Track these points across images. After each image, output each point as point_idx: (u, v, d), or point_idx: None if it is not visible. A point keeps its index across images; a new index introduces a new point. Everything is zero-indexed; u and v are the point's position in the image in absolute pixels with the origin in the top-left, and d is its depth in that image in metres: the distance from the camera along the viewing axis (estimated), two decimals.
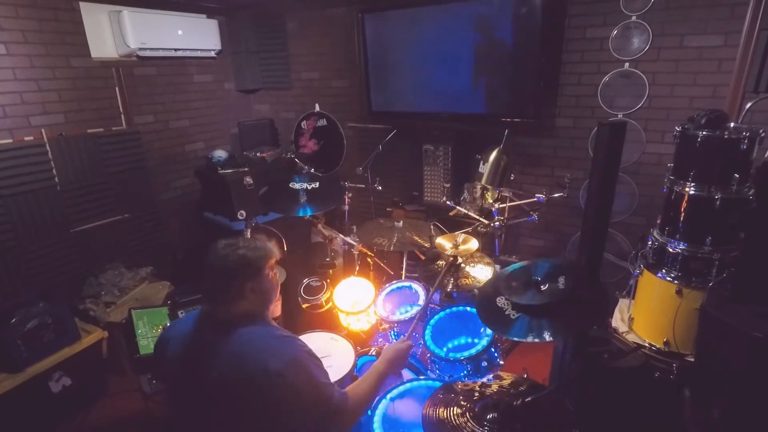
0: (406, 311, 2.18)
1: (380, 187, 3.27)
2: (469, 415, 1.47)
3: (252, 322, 1.31)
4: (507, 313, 1.57)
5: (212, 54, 3.91)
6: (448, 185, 3.44)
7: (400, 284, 2.35)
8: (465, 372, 1.80)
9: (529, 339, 1.47)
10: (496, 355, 1.86)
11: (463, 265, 2.16)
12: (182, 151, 3.98)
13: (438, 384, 1.74)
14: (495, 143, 2.90)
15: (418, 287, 2.27)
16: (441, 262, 2.24)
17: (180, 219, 3.97)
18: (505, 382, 1.65)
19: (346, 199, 3.20)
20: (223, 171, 3.67)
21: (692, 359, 2.01)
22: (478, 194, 2.99)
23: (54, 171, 3.01)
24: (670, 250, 2.09)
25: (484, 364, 1.81)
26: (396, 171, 3.94)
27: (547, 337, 1.46)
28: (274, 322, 1.40)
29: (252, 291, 1.30)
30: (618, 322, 2.37)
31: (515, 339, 1.54)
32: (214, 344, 1.27)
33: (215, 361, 1.24)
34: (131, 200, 3.49)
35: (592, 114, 3.13)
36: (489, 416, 1.44)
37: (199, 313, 1.39)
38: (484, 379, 1.74)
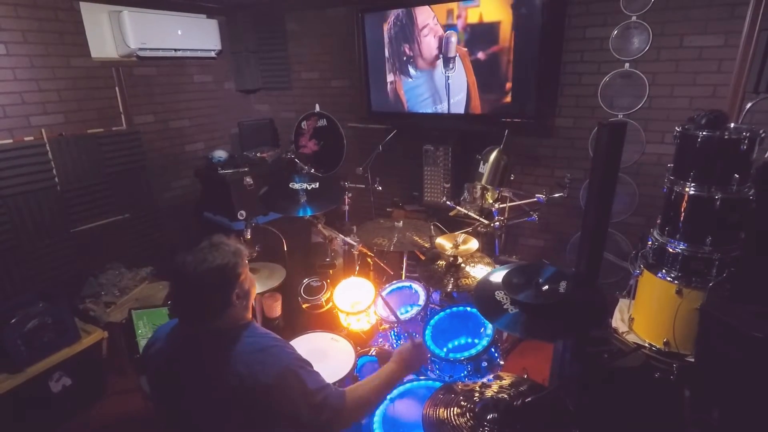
0: (406, 311, 2.18)
1: (380, 187, 3.28)
2: (469, 415, 1.47)
3: (239, 329, 1.28)
4: (505, 306, 1.60)
5: (212, 54, 3.91)
6: (448, 185, 3.44)
7: (400, 284, 2.35)
8: (465, 372, 1.80)
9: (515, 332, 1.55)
10: (496, 355, 1.86)
11: (463, 265, 2.16)
12: (182, 151, 3.98)
13: (438, 384, 1.74)
14: (495, 143, 2.90)
15: (418, 287, 2.27)
16: (441, 262, 2.24)
17: (180, 219, 3.96)
18: (505, 382, 1.65)
19: (346, 199, 3.20)
20: (223, 171, 3.67)
21: (692, 359, 2.01)
22: (478, 194, 2.99)
23: (54, 171, 3.00)
24: (670, 250, 2.09)
25: (485, 364, 1.81)
26: (396, 171, 3.93)
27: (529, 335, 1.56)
28: (256, 323, 1.36)
29: (237, 297, 1.28)
30: (618, 322, 2.37)
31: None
32: (202, 361, 1.25)
33: (209, 377, 1.23)
34: (131, 200, 3.49)
35: (592, 114, 3.13)
36: (489, 416, 1.44)
37: (180, 329, 1.33)
38: (485, 380, 1.74)
